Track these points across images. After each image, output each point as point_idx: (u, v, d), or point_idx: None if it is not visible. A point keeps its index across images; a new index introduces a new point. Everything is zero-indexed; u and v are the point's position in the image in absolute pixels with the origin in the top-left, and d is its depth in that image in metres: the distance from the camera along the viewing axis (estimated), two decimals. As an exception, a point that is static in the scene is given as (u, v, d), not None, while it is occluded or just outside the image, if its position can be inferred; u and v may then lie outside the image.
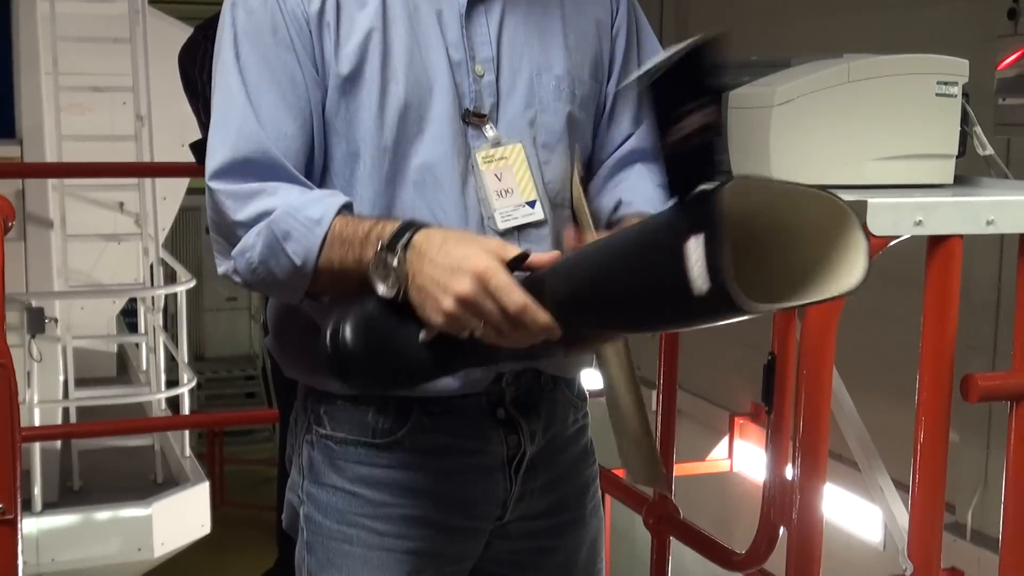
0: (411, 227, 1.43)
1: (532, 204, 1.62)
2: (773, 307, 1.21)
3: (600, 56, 1.73)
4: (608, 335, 1.51)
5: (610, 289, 1.34)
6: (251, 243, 1.51)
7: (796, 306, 1.15)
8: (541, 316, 1.35)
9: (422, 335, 1.42)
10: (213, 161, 1.53)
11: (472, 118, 1.60)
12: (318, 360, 1.44)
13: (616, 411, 1.74)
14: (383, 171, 1.57)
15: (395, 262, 1.40)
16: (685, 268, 1.19)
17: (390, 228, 1.43)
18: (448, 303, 1.36)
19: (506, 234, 1.60)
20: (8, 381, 2.47)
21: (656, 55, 1.77)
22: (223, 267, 1.58)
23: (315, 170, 1.58)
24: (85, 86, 6.23)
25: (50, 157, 6.02)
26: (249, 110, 1.53)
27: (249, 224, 1.51)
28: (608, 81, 1.75)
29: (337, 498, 1.68)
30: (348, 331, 1.41)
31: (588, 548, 1.83)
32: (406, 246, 1.40)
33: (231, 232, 1.53)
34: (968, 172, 2.50)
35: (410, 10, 1.59)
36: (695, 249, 1.19)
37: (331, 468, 1.68)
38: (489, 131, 1.61)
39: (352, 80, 1.55)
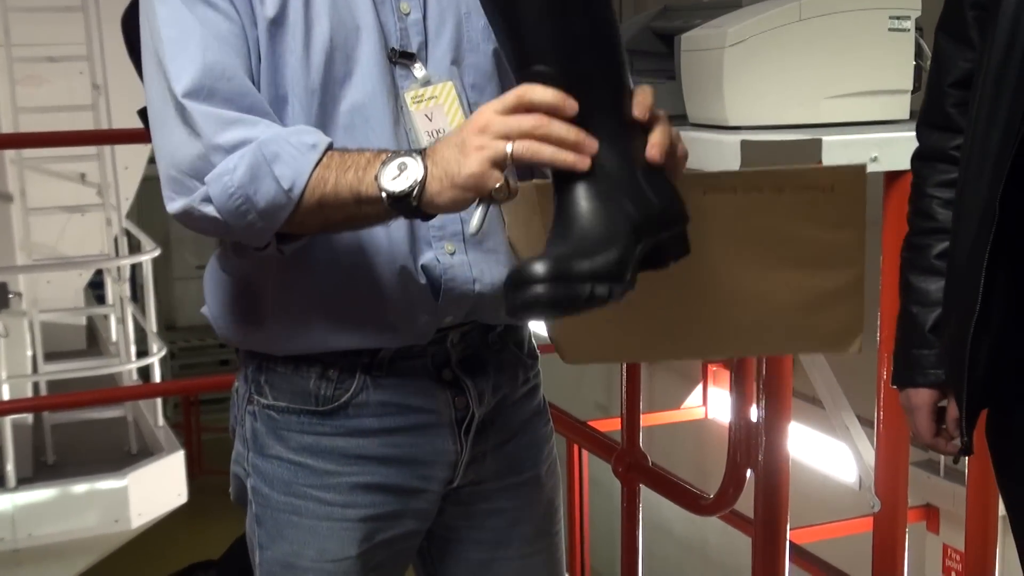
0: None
1: None
2: None
3: None
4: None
5: None
6: (231, 166, 1.44)
7: None
8: (542, 89, 1.32)
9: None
10: (182, 81, 1.46)
11: (399, 58, 1.57)
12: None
13: None
14: (312, 114, 1.54)
15: (415, 157, 1.36)
16: None
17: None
18: (476, 139, 1.32)
19: None
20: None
21: None
22: (179, 202, 1.49)
23: None
24: (39, 57, 6.14)
25: (6, 130, 5.94)
26: (210, 38, 1.48)
27: (229, 148, 1.44)
28: None
29: (283, 469, 1.65)
30: (535, 267, 1.29)
31: (545, 508, 1.81)
32: (422, 151, 1.38)
33: (201, 158, 1.45)
34: (924, 107, 2.48)
35: None
36: None
37: (275, 438, 1.66)
38: (418, 71, 1.58)
39: (277, 23, 1.52)
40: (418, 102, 1.57)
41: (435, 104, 1.57)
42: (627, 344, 1.71)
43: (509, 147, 1.31)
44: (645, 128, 1.38)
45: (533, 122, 1.31)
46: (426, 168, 1.35)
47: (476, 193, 1.34)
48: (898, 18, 2.38)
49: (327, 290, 1.59)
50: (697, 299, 1.60)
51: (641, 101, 1.38)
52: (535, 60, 1.34)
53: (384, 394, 1.63)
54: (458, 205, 1.37)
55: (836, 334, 1.65)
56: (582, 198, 1.34)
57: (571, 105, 1.31)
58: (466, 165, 1.32)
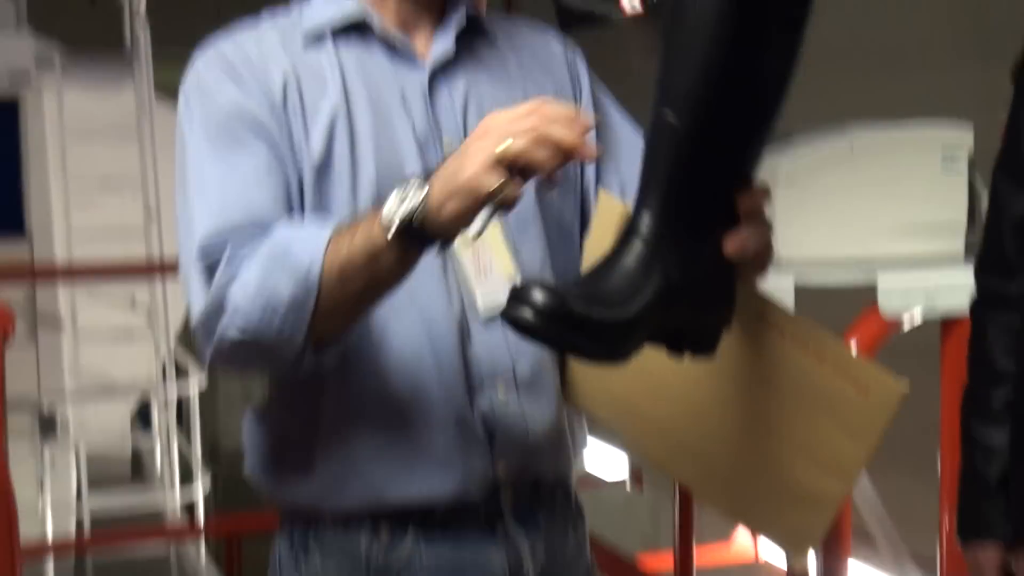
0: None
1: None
2: None
3: None
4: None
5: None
6: (245, 278, 1.42)
7: None
8: (553, 104, 1.31)
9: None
10: (193, 238, 1.46)
11: None
12: None
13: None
14: None
15: (416, 184, 1.33)
16: None
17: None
18: (477, 143, 1.31)
19: (490, 319, 1.54)
20: (7, 508, 2.49)
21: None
22: (208, 346, 1.47)
23: None
24: (94, 180, 6.23)
25: (59, 253, 6.02)
26: (234, 185, 1.48)
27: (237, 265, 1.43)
28: (582, 164, 1.68)
29: None
30: (536, 292, 1.24)
31: None
32: (426, 174, 1.36)
33: (220, 298, 1.43)
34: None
35: (371, 91, 1.55)
36: None
37: None
38: None
39: (323, 169, 1.52)
40: (465, 244, 1.54)
41: (481, 243, 1.52)
42: (625, 423, 1.62)
43: (505, 144, 1.28)
44: (741, 220, 1.35)
45: (533, 122, 1.29)
46: (429, 186, 1.33)
47: (475, 196, 1.30)
48: (951, 156, 2.35)
49: (377, 437, 1.55)
50: (696, 418, 1.53)
51: (753, 197, 1.35)
52: (671, 103, 1.30)
53: (437, 555, 1.58)
54: (462, 216, 1.32)
55: (794, 535, 1.55)
56: (637, 247, 1.31)
57: (583, 121, 1.30)
58: (464, 168, 1.30)
